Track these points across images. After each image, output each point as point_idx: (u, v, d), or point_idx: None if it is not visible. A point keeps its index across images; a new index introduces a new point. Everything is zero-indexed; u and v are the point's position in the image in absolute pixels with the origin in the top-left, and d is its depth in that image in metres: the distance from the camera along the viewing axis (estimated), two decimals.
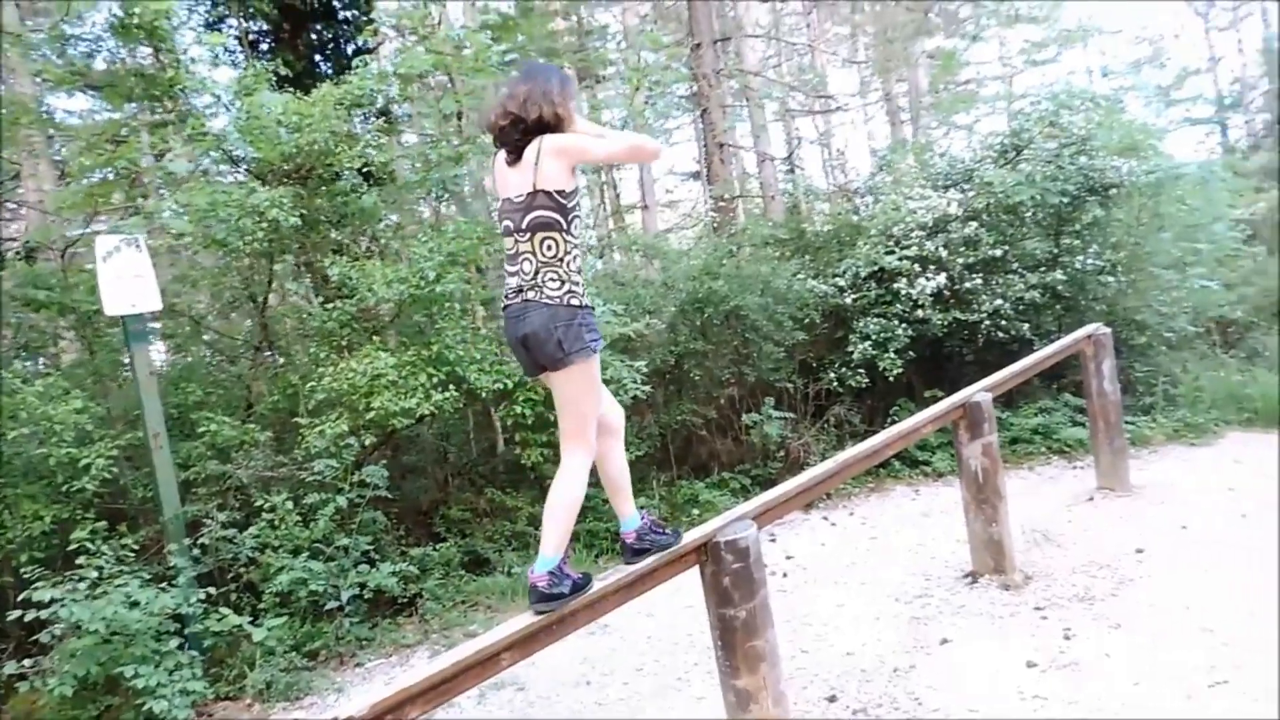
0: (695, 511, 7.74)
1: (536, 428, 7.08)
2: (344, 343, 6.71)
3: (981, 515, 5.61)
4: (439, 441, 7.85)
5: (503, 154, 2.91)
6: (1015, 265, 9.23)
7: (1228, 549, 5.59)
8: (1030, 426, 9.20)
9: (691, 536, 3.62)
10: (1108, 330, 7.60)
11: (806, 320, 8.95)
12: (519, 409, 6.90)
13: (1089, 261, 9.07)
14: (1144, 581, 5.29)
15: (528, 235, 2.80)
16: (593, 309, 2.95)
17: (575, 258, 2.86)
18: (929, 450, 9.03)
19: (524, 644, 2.95)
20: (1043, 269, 9.22)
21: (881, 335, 8.68)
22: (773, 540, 7.51)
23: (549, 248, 2.80)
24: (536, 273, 2.81)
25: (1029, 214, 8.91)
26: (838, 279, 9.07)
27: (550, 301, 2.79)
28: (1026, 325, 9.02)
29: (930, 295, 8.55)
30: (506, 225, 2.88)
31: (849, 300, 8.95)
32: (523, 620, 2.93)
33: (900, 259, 8.81)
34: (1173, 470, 7.97)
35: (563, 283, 2.81)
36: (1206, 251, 10.75)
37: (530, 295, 2.81)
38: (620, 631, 5.61)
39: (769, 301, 8.46)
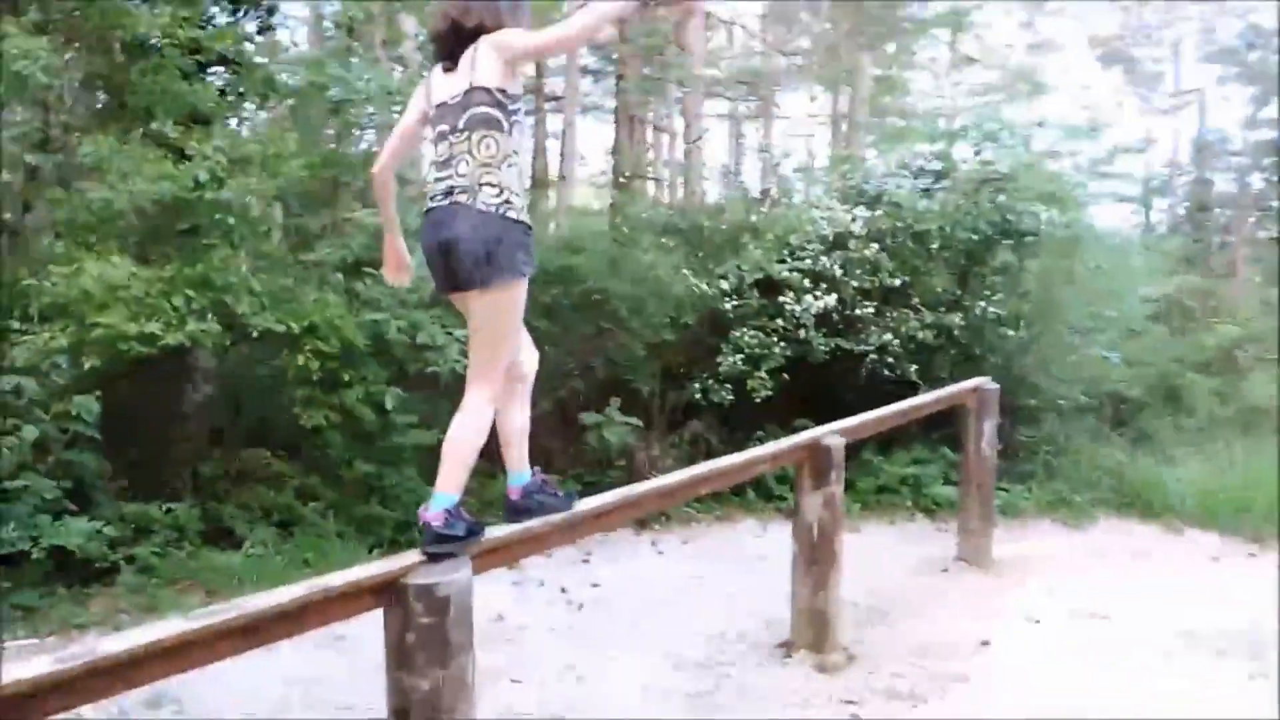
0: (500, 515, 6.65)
1: (324, 386, 5.90)
2: (92, 241, 5.39)
3: (810, 579, 4.66)
4: (220, 382, 6.56)
5: (439, 66, 2.72)
6: (914, 299, 8.41)
7: (1082, 653, 4.80)
8: (900, 475, 8.41)
9: (383, 567, 2.62)
10: (995, 387, 6.82)
11: (681, 320, 7.97)
12: (303, 360, 5.72)
13: (990, 309, 8.31)
14: (982, 683, 4.43)
15: (465, 134, 2.59)
16: (530, 228, 2.66)
17: (514, 166, 2.63)
18: (788, 483, 8.16)
19: (173, 656, 2.16)
20: (942, 309, 8.43)
21: (756, 351, 7.74)
22: (586, 561, 6.49)
23: (488, 147, 2.58)
24: (473, 174, 2.56)
25: (935, 245, 8.09)
26: (722, 281, 8.10)
27: (485, 209, 2.54)
28: (915, 366, 8.21)
29: (815, 315, 7.64)
30: (441, 129, 2.66)
31: (729, 306, 7.99)
32: (202, 621, 2.20)
33: (791, 270, 7.89)
34: (1039, 549, 7.27)
35: (501, 190, 2.57)
36: (1114, 321, 10.19)
37: (462, 199, 2.56)
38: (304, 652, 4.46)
39: (640, 292, 7.43)
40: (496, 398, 2.73)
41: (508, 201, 2.57)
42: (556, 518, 3.08)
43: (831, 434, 4.89)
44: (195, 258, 5.31)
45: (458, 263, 2.56)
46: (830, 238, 8.09)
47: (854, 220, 8.09)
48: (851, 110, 14.55)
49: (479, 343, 2.69)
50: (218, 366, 6.29)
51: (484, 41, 2.59)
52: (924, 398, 6.41)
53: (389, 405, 5.96)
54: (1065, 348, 9.29)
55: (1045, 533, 7.86)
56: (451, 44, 2.66)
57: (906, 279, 8.17)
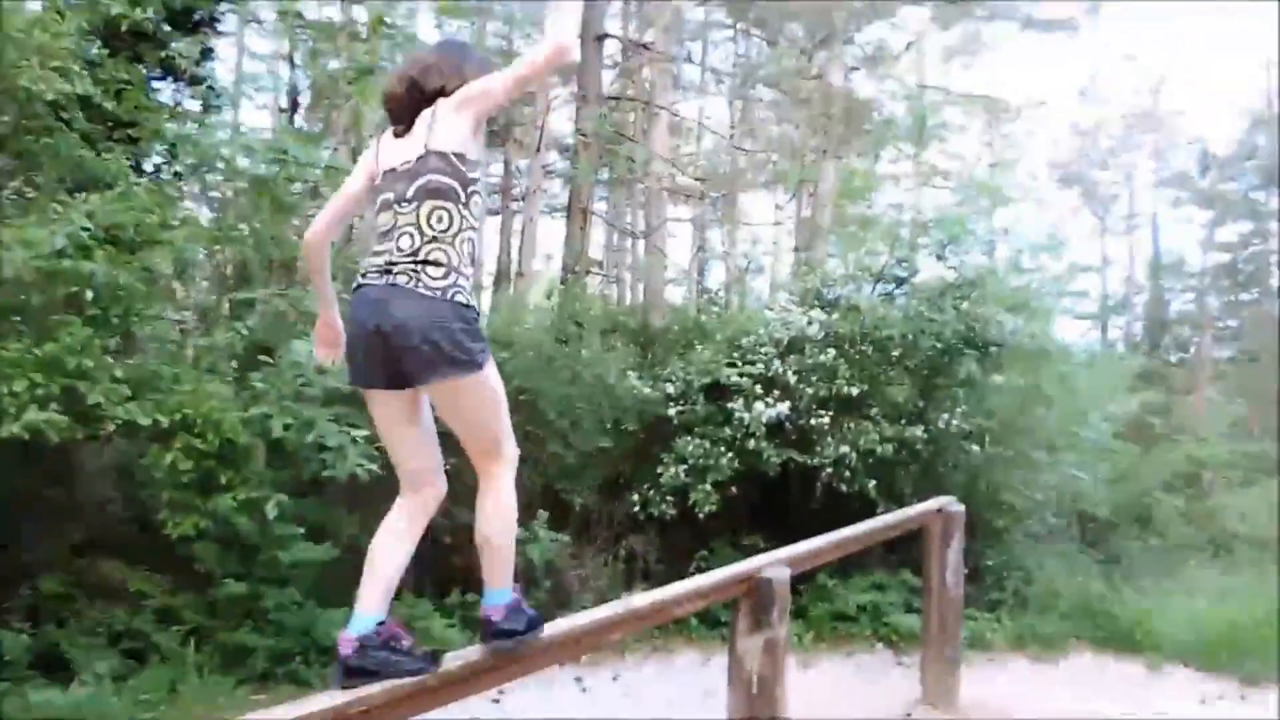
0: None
1: (198, 489, 5.12)
2: None
3: None
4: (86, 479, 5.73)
5: (389, 131, 2.50)
6: (874, 410, 7.83)
7: None
8: (859, 602, 7.68)
9: None
10: (960, 508, 6.17)
11: (623, 426, 7.31)
12: (172, 458, 4.95)
13: (955, 422, 7.74)
14: None
15: (413, 205, 2.32)
16: (478, 313, 2.38)
17: (469, 243, 2.37)
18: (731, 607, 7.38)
19: None
20: (904, 421, 7.84)
21: (700, 461, 7.07)
22: (496, 701, 5.62)
23: (440, 220, 2.31)
24: (417, 251, 2.28)
25: (896, 354, 7.57)
26: (667, 384, 7.48)
27: (429, 293, 2.24)
28: (874, 482, 7.56)
29: (766, 424, 7.01)
30: (385, 198, 2.39)
31: (673, 412, 7.34)
32: None
33: (741, 375, 7.30)
34: (1010, 688, 6.56)
35: (448, 272, 2.28)
36: (1081, 439, 9.68)
37: (401, 280, 2.26)
38: None
39: (574, 394, 6.77)
40: (513, 462, 2.50)
41: (456, 285, 2.30)
42: (403, 683, 2.35)
43: (775, 564, 4.19)
44: (46, 336, 4.58)
45: (401, 354, 2.26)
46: (785, 341, 7.55)
47: (810, 324, 7.57)
48: (814, 214, 14.36)
49: (466, 432, 2.43)
50: (80, 462, 5.47)
51: (443, 103, 2.39)
52: (883, 520, 5.75)
53: (270, 514, 5.16)
54: (1036, 465, 8.73)
55: (1017, 669, 7.15)
56: (407, 107, 2.44)
57: (865, 388, 7.61)
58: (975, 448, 7.97)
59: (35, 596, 5.03)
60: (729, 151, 15.09)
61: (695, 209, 18.89)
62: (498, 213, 17.31)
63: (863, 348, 7.68)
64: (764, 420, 6.98)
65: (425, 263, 2.27)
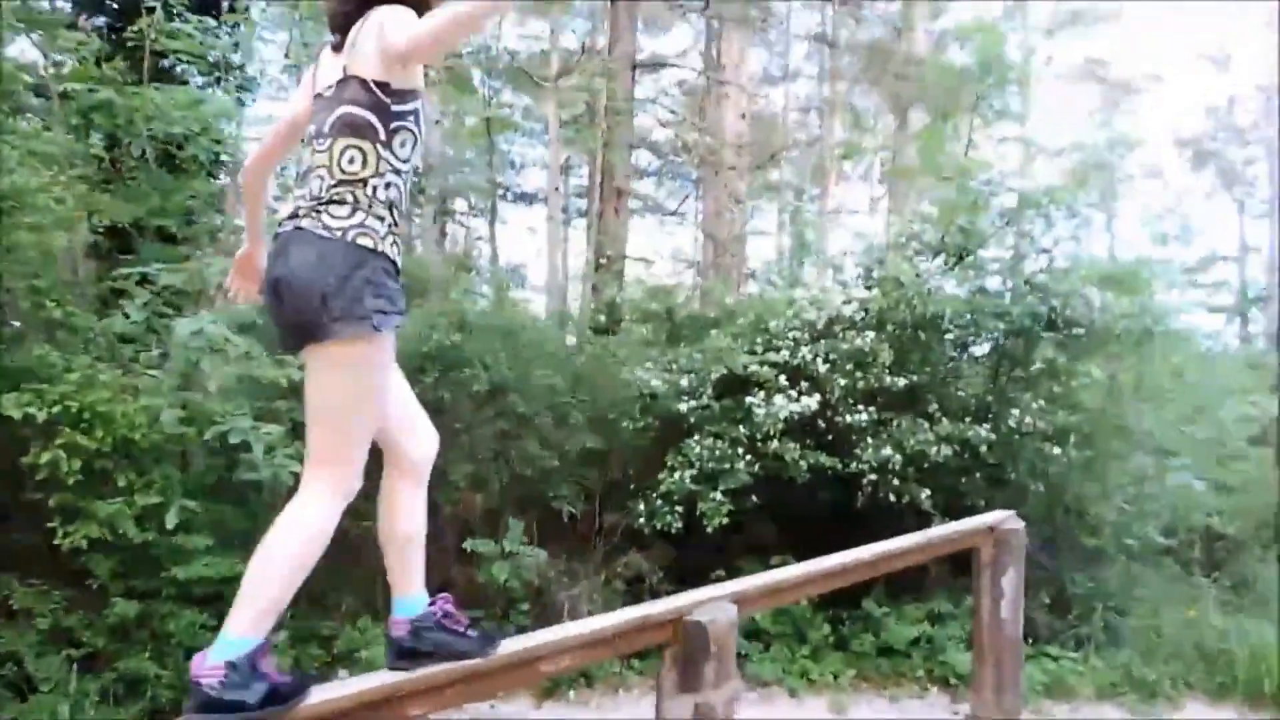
0: (343, 672, 4.99)
1: (87, 489, 4.43)
2: None
3: None
4: None
5: (330, 45, 2.10)
6: (932, 407, 6.58)
7: None
8: (908, 636, 6.47)
9: None
10: (1020, 525, 4.92)
11: (626, 423, 6.34)
12: (53, 455, 4.28)
13: (1029, 419, 6.43)
14: None
15: (327, 141, 1.95)
16: (396, 266, 1.95)
17: (390, 187, 1.96)
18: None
19: None
20: (968, 418, 6.58)
21: (712, 465, 6.01)
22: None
23: (352, 160, 1.93)
24: (324, 191, 1.93)
25: (950, 336, 6.32)
26: (681, 377, 6.45)
27: (326, 234, 1.88)
28: (926, 491, 6.33)
29: (785, 421, 5.90)
30: (309, 131, 2.06)
31: (684, 408, 6.31)
32: None
33: (761, 364, 6.21)
34: None
35: (355, 210, 1.90)
36: (1202, 441, 8.14)
37: (305, 222, 1.91)
38: None
39: (558, 382, 5.85)
40: (346, 492, 1.97)
41: (362, 226, 1.91)
42: (461, 665, 2.16)
43: (717, 601, 3.13)
44: None
45: (290, 307, 1.91)
46: (817, 323, 6.41)
47: (848, 302, 6.41)
48: (896, 192, 13.10)
49: (317, 420, 1.96)
50: None
51: (374, 13, 1.97)
52: (909, 540, 4.56)
53: (170, 522, 4.43)
54: (1136, 474, 7.29)
55: None
56: (343, 14, 2.03)
57: (915, 379, 6.39)
58: (1057, 450, 6.63)
59: None
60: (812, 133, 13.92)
61: (781, 199, 17.85)
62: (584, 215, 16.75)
63: (912, 331, 6.45)
64: (782, 416, 5.85)
65: (329, 202, 1.94)
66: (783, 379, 6.19)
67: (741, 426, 6.08)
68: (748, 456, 6.10)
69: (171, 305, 4.85)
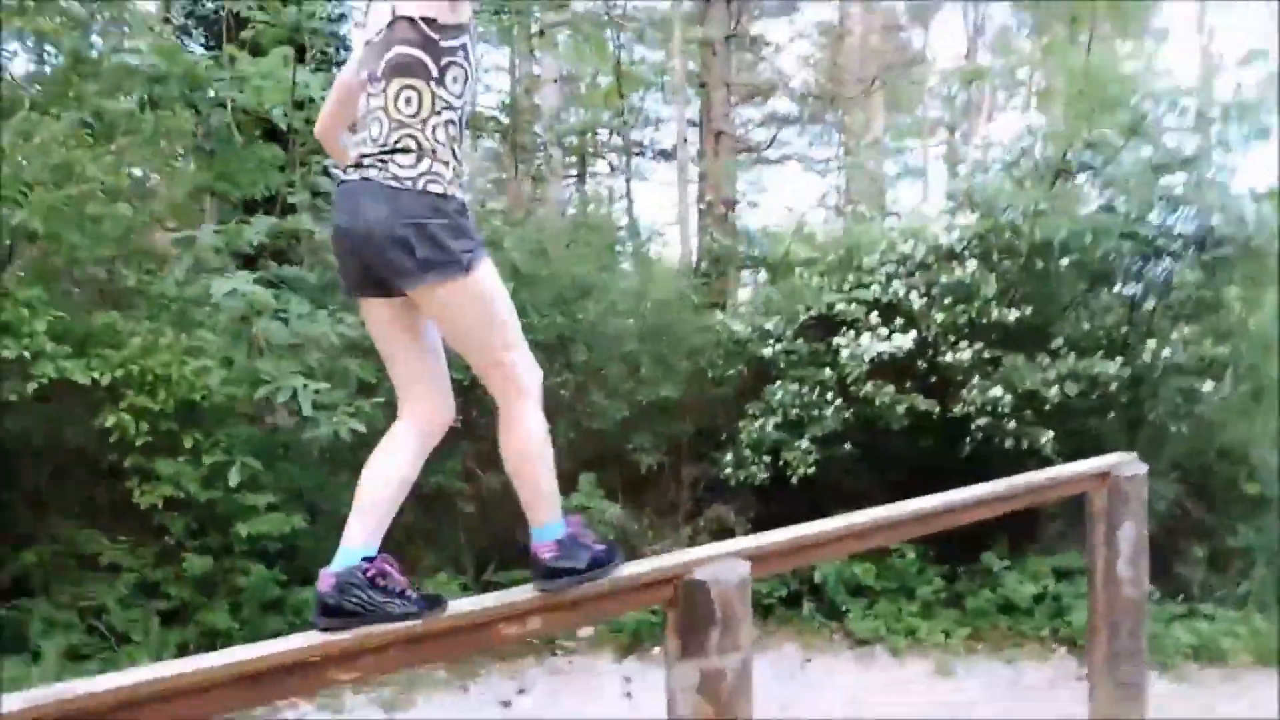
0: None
1: (157, 452, 4.57)
2: None
3: None
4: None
5: None
6: (1054, 342, 5.88)
7: None
8: (1031, 593, 5.88)
9: None
10: (1141, 470, 4.26)
11: (708, 371, 6.02)
12: (118, 419, 4.42)
13: (1167, 353, 5.64)
14: None
15: (381, 85, 1.96)
16: (465, 205, 1.98)
17: (449, 126, 1.97)
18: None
19: None
20: (1095, 352, 5.84)
21: (797, 412, 5.61)
22: (507, 705, 4.66)
23: (408, 101, 1.94)
24: (386, 138, 1.94)
25: (1065, 262, 5.60)
26: (765, 320, 6.05)
27: (397, 184, 1.90)
28: (1049, 434, 5.68)
29: (871, 362, 5.39)
30: (363, 78, 2.05)
31: (769, 352, 5.91)
32: None
33: (850, 301, 5.72)
34: None
35: (420, 157, 1.92)
36: None
37: (371, 172, 1.93)
38: None
39: (632, 324, 5.59)
40: (531, 388, 2.09)
41: (431, 173, 1.94)
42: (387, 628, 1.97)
43: (727, 558, 2.80)
44: None
45: (370, 257, 1.97)
46: (914, 255, 5.83)
47: (951, 230, 5.80)
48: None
49: (463, 349, 2.08)
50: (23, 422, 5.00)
51: None
52: (990, 487, 4.03)
53: (233, 480, 4.50)
54: None
55: (1266, 693, 5.08)
56: None
57: (1028, 311, 5.70)
58: (1205, 387, 5.80)
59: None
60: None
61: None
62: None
63: (1025, 259, 5.75)
64: (868, 357, 5.35)
65: (394, 151, 1.96)
66: (874, 316, 5.67)
67: (829, 369, 5.63)
68: (837, 401, 5.65)
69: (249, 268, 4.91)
